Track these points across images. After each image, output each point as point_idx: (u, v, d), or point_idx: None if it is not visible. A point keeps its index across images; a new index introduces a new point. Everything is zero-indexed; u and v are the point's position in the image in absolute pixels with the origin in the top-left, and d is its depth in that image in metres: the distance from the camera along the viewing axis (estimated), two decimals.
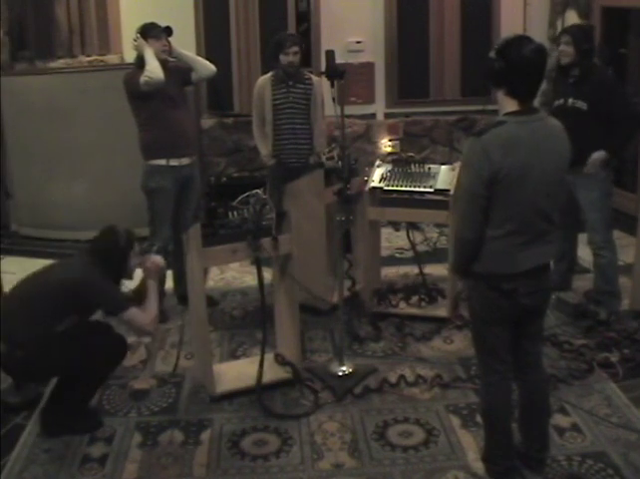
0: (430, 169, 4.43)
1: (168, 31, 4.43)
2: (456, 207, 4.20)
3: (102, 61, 6.81)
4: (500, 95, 2.65)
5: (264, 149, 4.99)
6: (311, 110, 4.91)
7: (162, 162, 4.35)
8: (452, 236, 4.32)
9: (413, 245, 4.82)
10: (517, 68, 2.56)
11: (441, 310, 4.51)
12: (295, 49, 4.81)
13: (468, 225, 2.69)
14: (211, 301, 4.61)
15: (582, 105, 4.17)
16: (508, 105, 2.64)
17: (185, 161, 4.46)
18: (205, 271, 4.43)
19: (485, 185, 2.58)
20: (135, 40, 4.40)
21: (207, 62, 4.64)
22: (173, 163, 4.37)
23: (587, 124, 4.10)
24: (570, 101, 4.22)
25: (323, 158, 4.67)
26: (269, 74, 4.97)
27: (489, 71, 2.63)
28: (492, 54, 2.61)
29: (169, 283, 4.70)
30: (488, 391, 2.89)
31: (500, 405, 2.88)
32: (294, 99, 4.88)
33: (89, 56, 6.85)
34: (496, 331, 2.79)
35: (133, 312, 3.28)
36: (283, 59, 4.81)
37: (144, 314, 3.33)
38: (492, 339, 2.80)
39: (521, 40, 2.61)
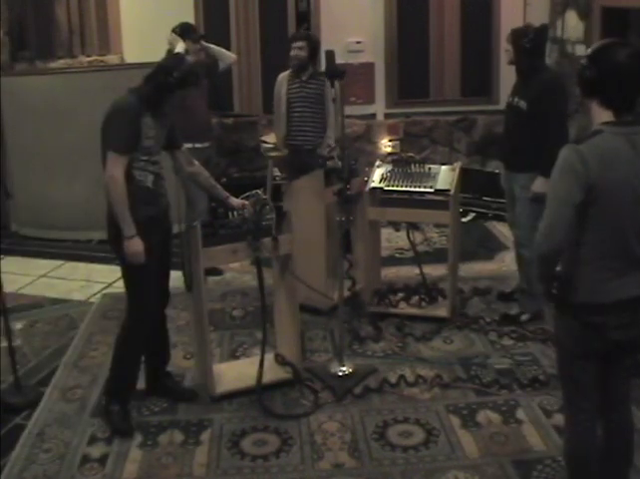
0: (430, 169, 4.42)
1: (204, 37, 5.28)
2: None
3: (102, 61, 6.82)
4: (594, 105, 2.39)
5: (278, 139, 5.30)
6: (325, 105, 5.08)
7: (189, 145, 4.50)
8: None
9: (413, 246, 4.82)
10: (611, 76, 2.32)
11: (441, 310, 4.50)
12: (299, 44, 5.00)
13: (553, 238, 2.35)
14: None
15: (523, 105, 4.14)
16: (603, 116, 2.37)
17: (206, 144, 5.07)
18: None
19: (580, 194, 2.30)
20: (173, 34, 4.95)
21: (229, 51, 5.46)
22: (197, 145, 4.80)
23: (525, 124, 4.10)
24: (515, 99, 4.22)
25: (333, 152, 4.73)
26: (288, 70, 5.18)
27: (580, 79, 2.39)
28: (584, 61, 2.36)
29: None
30: (573, 431, 2.58)
31: (585, 448, 2.56)
32: (307, 94, 5.07)
33: (89, 56, 6.86)
34: (583, 366, 2.48)
35: (113, 157, 3.30)
36: (291, 53, 5.04)
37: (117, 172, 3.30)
38: (579, 374, 2.50)
39: (615, 45, 2.36)
